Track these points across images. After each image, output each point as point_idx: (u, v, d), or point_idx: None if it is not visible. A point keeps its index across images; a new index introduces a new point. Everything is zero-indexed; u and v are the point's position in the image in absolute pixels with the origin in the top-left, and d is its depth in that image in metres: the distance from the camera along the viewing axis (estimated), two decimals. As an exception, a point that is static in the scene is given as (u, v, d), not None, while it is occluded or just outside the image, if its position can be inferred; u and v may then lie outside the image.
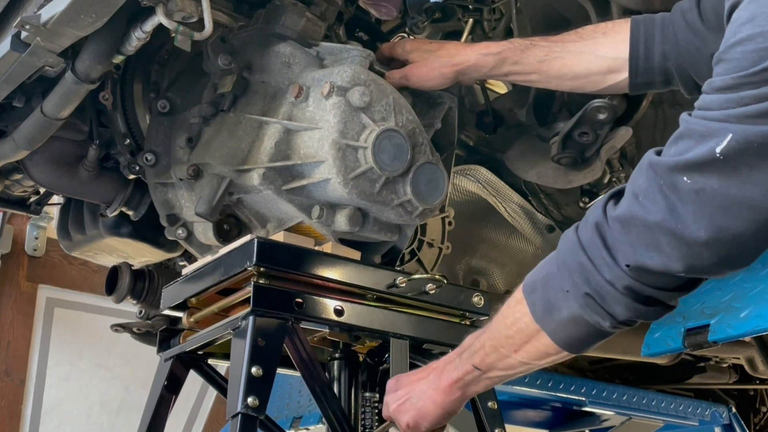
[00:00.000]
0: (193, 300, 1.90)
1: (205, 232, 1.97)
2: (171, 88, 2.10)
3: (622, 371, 3.84)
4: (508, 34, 2.35)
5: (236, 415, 1.57)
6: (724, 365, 3.84)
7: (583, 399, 3.38)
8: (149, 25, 1.71)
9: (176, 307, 1.94)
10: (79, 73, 1.78)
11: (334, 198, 1.78)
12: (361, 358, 2.03)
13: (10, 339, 4.43)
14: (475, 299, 1.96)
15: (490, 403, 1.91)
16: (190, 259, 2.48)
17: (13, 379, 4.42)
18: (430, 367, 1.67)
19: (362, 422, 1.96)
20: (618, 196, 1.32)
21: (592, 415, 3.65)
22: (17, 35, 1.68)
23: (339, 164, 1.72)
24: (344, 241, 1.88)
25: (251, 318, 1.65)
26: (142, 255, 2.43)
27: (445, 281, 1.88)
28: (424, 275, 1.89)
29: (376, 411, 1.96)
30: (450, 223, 2.51)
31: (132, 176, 2.14)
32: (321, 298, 1.76)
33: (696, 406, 3.81)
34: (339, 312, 1.77)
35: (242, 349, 1.63)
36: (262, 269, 1.68)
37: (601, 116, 1.97)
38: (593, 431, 3.82)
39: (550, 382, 3.31)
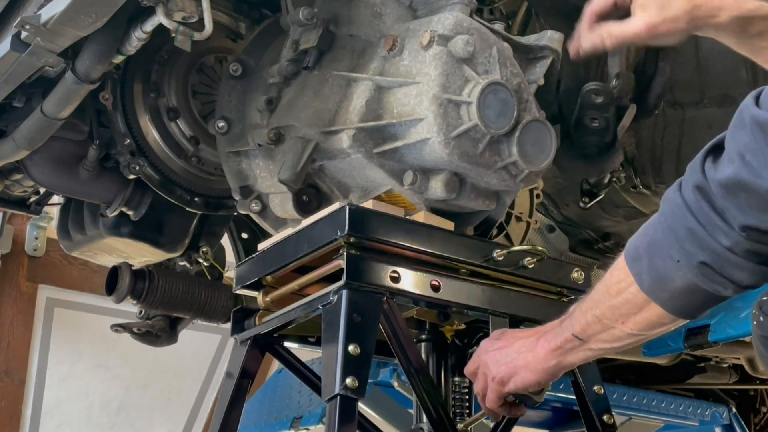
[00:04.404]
0: (269, 278, 1.75)
1: (282, 203, 1.83)
2: (244, 50, 1.96)
3: (622, 371, 3.83)
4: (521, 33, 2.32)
5: (334, 397, 1.43)
6: (725, 365, 3.83)
7: (584, 399, 3.38)
8: (149, 25, 1.71)
9: (250, 286, 1.79)
10: (79, 73, 1.79)
11: (431, 161, 1.63)
12: (449, 340, 1.90)
13: (10, 339, 4.43)
14: (575, 275, 1.80)
15: (596, 387, 1.75)
16: (191, 258, 2.49)
17: (13, 379, 4.41)
18: (535, 329, 1.56)
19: (452, 409, 1.84)
20: (716, 151, 1.19)
21: (592, 415, 3.65)
22: (17, 35, 1.68)
23: (440, 122, 1.56)
24: (435, 212, 1.73)
25: (345, 292, 1.51)
26: (142, 255, 2.43)
27: (546, 254, 1.74)
28: (523, 247, 1.75)
29: (466, 398, 1.85)
30: (538, 196, 2.37)
31: (132, 176, 2.14)
32: (417, 272, 1.61)
33: (696, 406, 3.80)
34: (435, 287, 1.62)
35: (336, 325, 1.49)
36: (353, 239, 1.53)
37: (598, 99, 1.92)
38: (593, 431, 3.82)
39: (550, 382, 3.30)
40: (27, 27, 1.63)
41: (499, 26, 1.75)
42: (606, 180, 2.35)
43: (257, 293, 1.79)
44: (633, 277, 1.31)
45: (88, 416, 4.64)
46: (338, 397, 1.43)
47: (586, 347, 1.45)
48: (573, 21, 2.10)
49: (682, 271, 1.24)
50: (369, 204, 1.66)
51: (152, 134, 2.18)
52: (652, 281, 1.29)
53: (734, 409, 3.93)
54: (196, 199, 2.27)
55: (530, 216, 2.35)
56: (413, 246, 1.61)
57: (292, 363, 1.89)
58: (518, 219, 2.32)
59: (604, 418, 1.74)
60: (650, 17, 1.51)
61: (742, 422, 3.92)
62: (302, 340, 1.92)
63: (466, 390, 1.86)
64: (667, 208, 1.26)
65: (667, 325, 1.36)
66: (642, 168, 2.47)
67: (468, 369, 1.64)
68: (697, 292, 1.26)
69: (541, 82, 1.78)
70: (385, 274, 1.57)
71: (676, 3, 1.51)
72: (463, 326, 1.89)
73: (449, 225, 1.71)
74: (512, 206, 2.27)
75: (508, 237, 2.28)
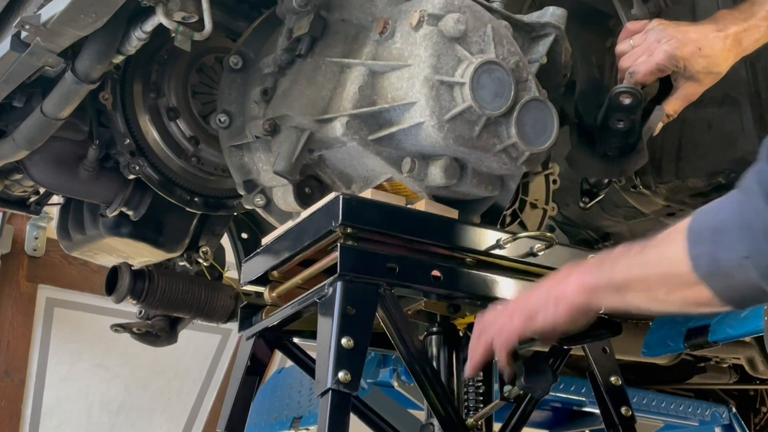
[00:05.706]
0: (275, 273, 1.72)
1: (284, 196, 1.80)
2: (243, 42, 1.92)
3: (622, 371, 3.83)
4: None
5: (326, 392, 1.40)
6: (725, 365, 3.83)
7: (583, 399, 3.37)
8: (149, 25, 1.72)
9: (257, 282, 1.76)
10: (79, 73, 1.79)
11: (428, 146, 1.58)
12: (461, 333, 1.85)
13: (10, 339, 4.43)
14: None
15: (612, 379, 1.70)
16: (191, 258, 2.49)
17: (13, 379, 4.42)
18: (548, 276, 1.47)
19: (465, 404, 1.78)
20: None
21: (592, 415, 3.64)
22: (17, 35, 1.68)
23: (432, 104, 1.52)
24: (439, 200, 1.68)
25: (339, 284, 1.47)
26: (142, 255, 2.43)
27: (555, 240, 1.67)
28: (531, 233, 1.69)
29: (480, 392, 1.80)
30: (555, 182, 2.26)
31: (132, 176, 2.14)
32: (416, 262, 1.56)
33: (696, 407, 3.80)
34: (437, 276, 1.57)
35: (330, 318, 1.46)
36: (349, 230, 1.50)
37: (627, 101, 1.89)
38: (593, 431, 3.82)
39: (550, 382, 3.29)
40: (27, 27, 1.63)
41: (497, 4, 1.69)
42: (606, 180, 2.35)
43: (264, 289, 1.76)
44: (689, 258, 1.23)
45: (88, 416, 4.64)
46: (330, 391, 1.40)
47: (620, 298, 1.36)
48: (586, 23, 2.09)
49: (747, 269, 1.16)
50: (368, 193, 1.63)
51: (152, 134, 2.18)
52: (710, 270, 1.21)
53: (734, 409, 3.93)
54: (195, 199, 2.27)
55: (546, 203, 2.22)
56: (413, 235, 1.56)
57: (300, 358, 1.86)
58: (533, 206, 2.20)
59: (622, 410, 1.67)
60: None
61: (742, 422, 3.93)
62: (313, 335, 1.84)
63: (480, 384, 1.81)
64: (745, 200, 1.17)
65: (714, 308, 1.27)
66: (642, 168, 2.47)
67: (473, 338, 1.55)
68: (756, 290, 1.18)
69: (544, 60, 1.72)
70: (382, 264, 1.52)
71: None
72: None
73: (452, 213, 1.66)
74: (526, 192, 2.16)
75: (522, 225, 2.17)
